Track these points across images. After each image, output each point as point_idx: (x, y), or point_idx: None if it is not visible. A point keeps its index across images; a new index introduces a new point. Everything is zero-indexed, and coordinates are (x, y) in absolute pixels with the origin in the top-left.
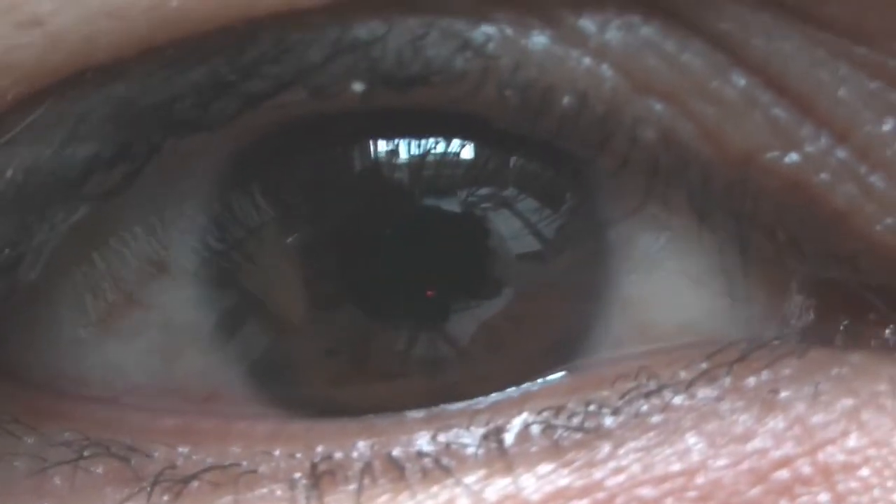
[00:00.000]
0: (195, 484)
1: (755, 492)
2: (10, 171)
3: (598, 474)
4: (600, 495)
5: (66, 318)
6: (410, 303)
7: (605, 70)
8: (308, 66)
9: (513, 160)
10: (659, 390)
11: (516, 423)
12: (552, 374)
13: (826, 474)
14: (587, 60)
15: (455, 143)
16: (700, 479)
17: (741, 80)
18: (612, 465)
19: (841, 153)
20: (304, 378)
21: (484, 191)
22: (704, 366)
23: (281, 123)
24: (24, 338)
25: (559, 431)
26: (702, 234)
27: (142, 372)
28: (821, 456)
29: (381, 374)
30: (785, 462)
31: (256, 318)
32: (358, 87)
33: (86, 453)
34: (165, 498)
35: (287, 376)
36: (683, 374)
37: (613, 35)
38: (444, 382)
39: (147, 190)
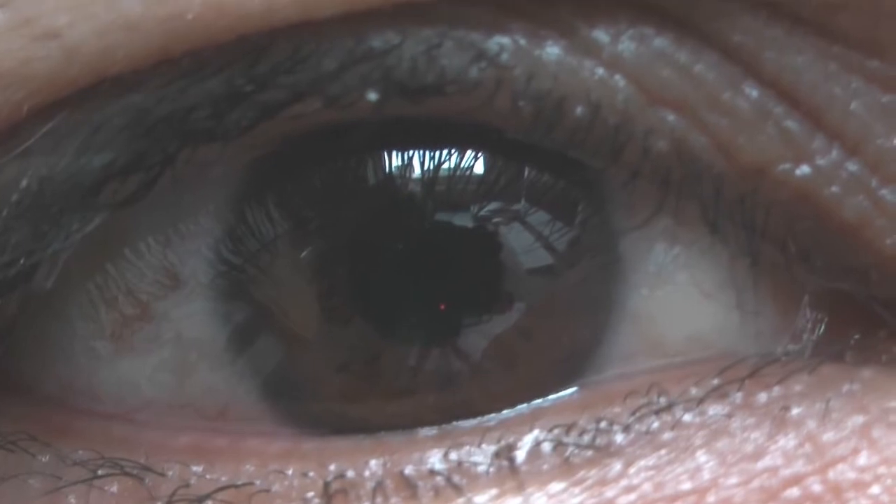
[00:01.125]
0: (209, 503)
1: None
2: (26, 181)
3: (609, 493)
4: None
5: (80, 331)
6: (422, 317)
7: (618, 81)
8: (323, 75)
9: (525, 171)
10: (669, 407)
11: (527, 441)
12: (563, 389)
13: (837, 492)
14: (600, 71)
15: (468, 154)
16: (711, 499)
17: (754, 92)
18: (623, 483)
19: (852, 166)
20: (315, 393)
21: (496, 205)
22: (716, 382)
23: (295, 134)
24: (37, 352)
25: (570, 449)
26: (713, 247)
27: (154, 387)
28: (831, 474)
29: (393, 388)
30: (796, 480)
31: (269, 332)
32: (372, 96)
33: (100, 472)
34: None
35: (299, 391)
36: (694, 391)
37: (627, 46)
38: (455, 397)
39: (162, 200)
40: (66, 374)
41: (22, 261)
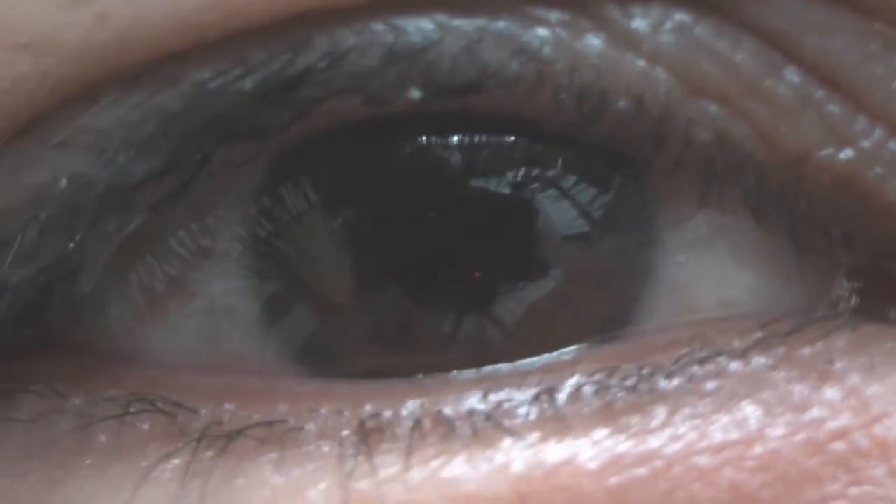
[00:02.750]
0: (240, 440)
1: (813, 462)
2: (63, 181)
3: (654, 442)
4: (658, 463)
5: (114, 309)
6: (456, 285)
7: (660, 73)
8: (363, 72)
9: (566, 158)
10: (713, 356)
11: (568, 385)
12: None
13: (883, 447)
14: (641, 63)
15: (507, 141)
16: (758, 449)
17: (795, 78)
18: (668, 431)
19: (895, 146)
20: (350, 362)
21: (533, 172)
22: (759, 335)
23: (332, 129)
24: (70, 323)
25: (613, 392)
26: (756, 231)
27: (187, 356)
28: (878, 429)
29: (427, 357)
30: (842, 434)
31: (301, 301)
32: (414, 93)
33: (132, 409)
34: (210, 453)
35: (333, 360)
36: (737, 343)
37: (667, 37)
38: (491, 364)
39: (199, 192)
40: (99, 344)
41: (60, 264)
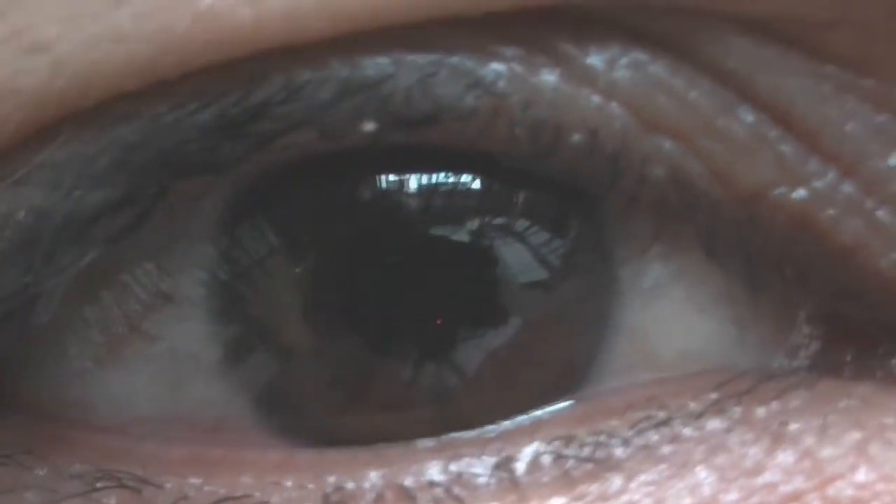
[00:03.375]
0: None
1: None
2: (22, 214)
3: None
4: None
5: (73, 349)
6: (416, 331)
7: (615, 108)
8: (317, 105)
9: (522, 195)
10: (668, 421)
11: (527, 453)
12: (560, 402)
13: None
14: (596, 99)
15: (464, 179)
16: None
17: (749, 117)
18: (624, 498)
19: (847, 188)
20: (310, 407)
21: (491, 219)
22: (714, 396)
23: (289, 162)
24: (30, 369)
25: (570, 462)
26: (711, 270)
27: (148, 401)
28: (830, 491)
29: (388, 403)
30: (795, 497)
31: (262, 347)
32: (368, 126)
33: (98, 485)
34: None
35: (293, 406)
36: (693, 405)
37: (622, 74)
38: (451, 411)
39: (156, 228)
40: (60, 388)
41: (16, 296)
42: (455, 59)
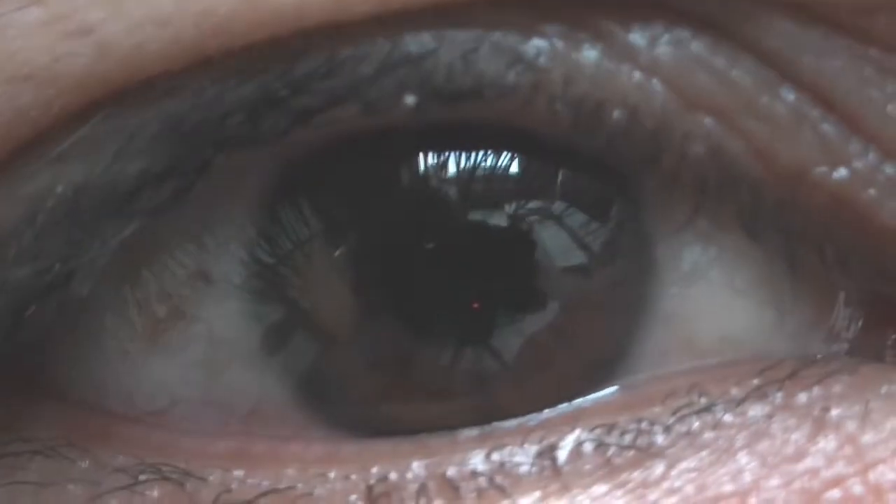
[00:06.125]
0: None
1: None
2: (61, 187)
3: (652, 496)
4: None
5: (112, 331)
6: (456, 316)
7: (656, 85)
8: (360, 80)
9: (561, 174)
10: (710, 407)
11: (569, 441)
12: (600, 389)
13: (878, 494)
14: (637, 75)
15: (504, 158)
16: (753, 500)
17: (790, 96)
18: (665, 485)
19: (889, 169)
20: (349, 392)
21: (531, 204)
22: (756, 382)
23: (331, 138)
24: (70, 354)
25: (612, 449)
26: (750, 250)
27: (187, 385)
28: (872, 476)
29: (427, 388)
30: (836, 482)
31: (301, 331)
32: (410, 100)
33: (141, 478)
34: None
35: (333, 390)
36: (735, 392)
37: (664, 50)
38: (491, 397)
39: (197, 204)
40: (98, 372)
41: (57, 267)
42: (497, 35)
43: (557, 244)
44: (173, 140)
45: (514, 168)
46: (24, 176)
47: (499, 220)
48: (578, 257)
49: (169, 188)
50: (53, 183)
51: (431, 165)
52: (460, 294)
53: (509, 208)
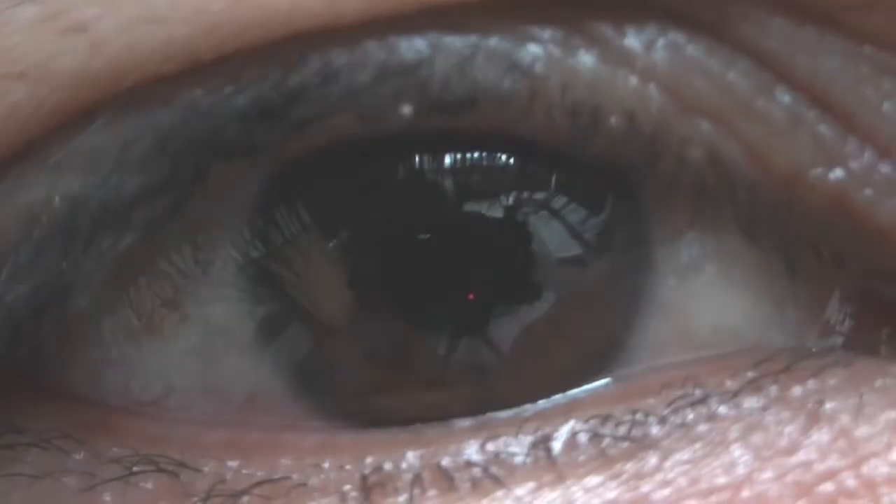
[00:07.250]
0: (246, 499)
1: None
2: (57, 200)
3: (645, 487)
4: None
5: (108, 322)
6: (451, 307)
7: (653, 90)
8: (355, 89)
9: (559, 178)
10: (705, 399)
11: (564, 431)
12: (596, 380)
13: (870, 487)
14: (634, 80)
15: (501, 164)
16: (746, 493)
17: (786, 98)
18: (659, 477)
19: (885, 168)
20: (344, 382)
21: (527, 195)
22: (750, 375)
23: (326, 146)
24: (66, 346)
25: (606, 440)
26: (747, 249)
27: (183, 375)
28: (865, 469)
29: (423, 378)
30: (830, 475)
31: (297, 321)
32: (406, 110)
33: (135, 469)
34: None
35: (328, 381)
36: (730, 384)
37: (659, 55)
38: (487, 388)
39: (192, 213)
40: (95, 367)
41: (55, 282)
42: (492, 42)
43: (554, 235)
44: (168, 151)
45: (513, 170)
46: (21, 185)
47: (495, 210)
48: (574, 249)
49: (164, 201)
50: (49, 196)
51: (428, 161)
52: (456, 284)
53: (506, 199)
